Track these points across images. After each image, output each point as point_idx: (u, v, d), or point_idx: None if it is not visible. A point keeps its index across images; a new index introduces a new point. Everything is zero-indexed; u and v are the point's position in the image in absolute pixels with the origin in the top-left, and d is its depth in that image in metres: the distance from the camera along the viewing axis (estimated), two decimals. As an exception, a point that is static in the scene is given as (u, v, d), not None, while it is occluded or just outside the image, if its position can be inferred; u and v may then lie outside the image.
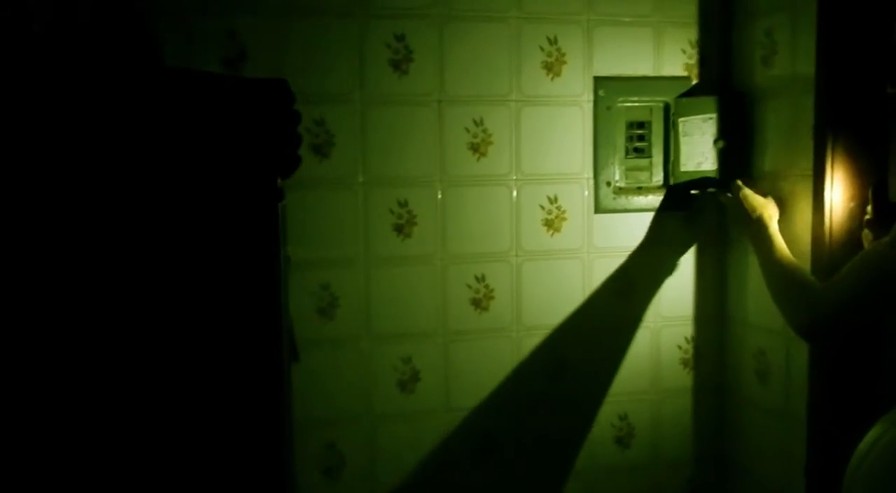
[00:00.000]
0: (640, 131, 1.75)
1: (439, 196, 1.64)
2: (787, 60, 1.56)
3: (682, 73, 1.74)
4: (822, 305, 1.16)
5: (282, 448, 0.93)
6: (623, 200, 1.74)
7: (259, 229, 0.88)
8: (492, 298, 1.69)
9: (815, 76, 1.45)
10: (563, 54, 1.67)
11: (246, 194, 0.87)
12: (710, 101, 1.70)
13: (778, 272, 1.36)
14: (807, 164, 1.49)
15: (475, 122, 1.65)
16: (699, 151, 1.70)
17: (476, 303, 1.69)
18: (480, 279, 1.68)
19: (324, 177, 1.59)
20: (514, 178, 1.68)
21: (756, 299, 1.68)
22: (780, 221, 1.53)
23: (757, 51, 1.65)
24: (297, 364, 1.55)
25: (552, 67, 1.67)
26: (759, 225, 1.50)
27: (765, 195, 1.57)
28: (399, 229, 1.63)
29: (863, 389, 1.44)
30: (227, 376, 0.92)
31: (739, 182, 1.60)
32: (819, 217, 1.45)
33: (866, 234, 1.38)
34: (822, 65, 1.44)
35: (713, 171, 1.69)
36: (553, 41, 1.66)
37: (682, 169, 1.73)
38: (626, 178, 1.75)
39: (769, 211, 1.52)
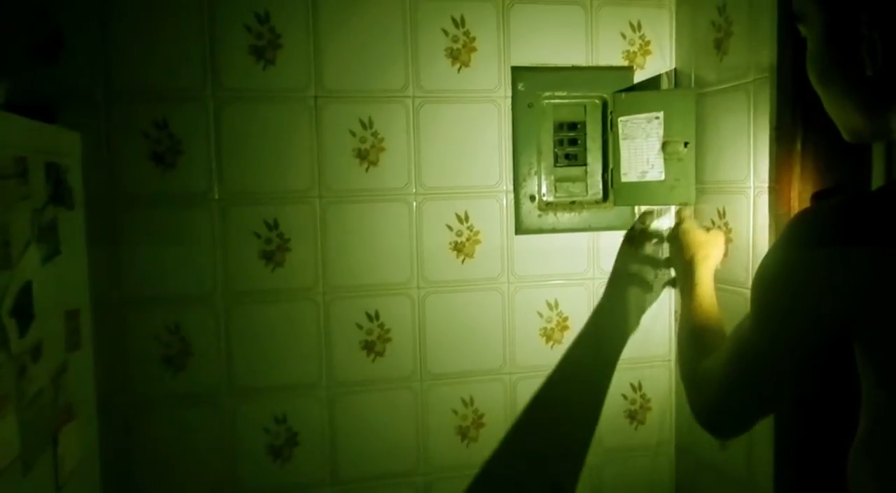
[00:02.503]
0: (572, 134, 1.43)
1: (318, 215, 1.32)
2: (744, 44, 1.25)
3: (621, 62, 1.43)
4: (706, 387, 0.83)
5: None
6: (551, 218, 1.42)
7: None
8: (388, 340, 1.37)
9: (778, 57, 1.14)
10: (473, 39, 1.36)
11: None
12: (657, 96, 1.39)
13: (685, 335, 1.02)
14: (766, 172, 1.18)
15: (363, 123, 1.33)
16: (643, 157, 1.39)
17: (368, 347, 1.36)
18: (373, 317, 1.36)
19: (168, 193, 1.26)
20: (414, 191, 1.36)
21: (714, 338, 1.36)
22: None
23: (709, 33, 1.33)
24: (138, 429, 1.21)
25: (459, 55, 1.35)
26: (687, 268, 1.22)
27: (708, 229, 1.31)
28: (268, 257, 1.31)
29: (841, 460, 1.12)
30: None
31: (685, 212, 1.37)
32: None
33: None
34: (784, 45, 1.13)
35: (660, 181, 1.38)
36: (460, 23, 1.35)
37: (624, 179, 1.41)
38: (556, 190, 1.43)
39: (704, 251, 1.23)
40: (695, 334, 1.00)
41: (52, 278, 0.90)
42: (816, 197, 1.08)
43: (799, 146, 1.12)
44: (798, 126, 1.12)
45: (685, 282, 1.19)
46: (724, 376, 0.79)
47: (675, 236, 1.30)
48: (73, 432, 0.96)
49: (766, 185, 1.19)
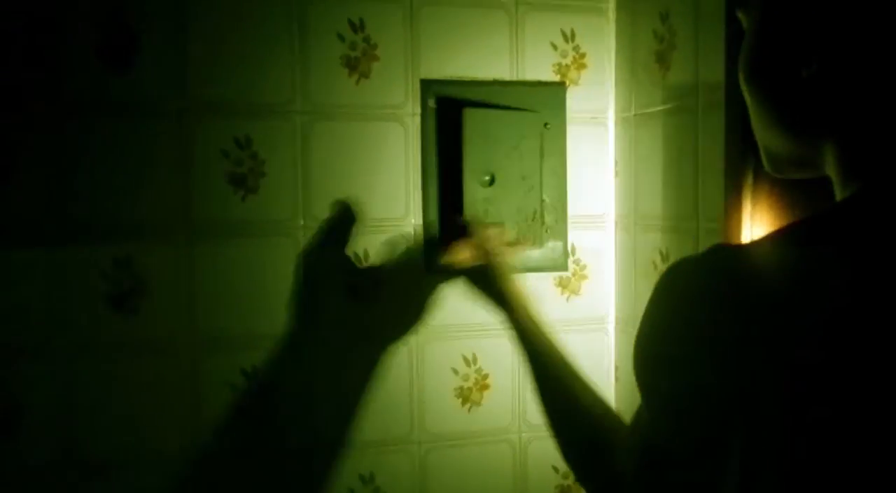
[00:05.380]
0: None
1: (183, 253, 1.10)
2: (689, 59, 1.06)
3: (552, 77, 1.23)
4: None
5: None
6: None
7: None
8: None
9: (726, 74, 0.95)
10: (374, 46, 1.15)
11: None
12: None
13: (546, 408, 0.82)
14: (714, 210, 0.98)
15: (238, 142, 1.11)
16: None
17: (242, 412, 1.13)
18: (252, 375, 1.13)
19: (-8, 223, 1.03)
20: (302, 224, 1.14)
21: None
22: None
23: (651, 44, 1.14)
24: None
25: (357, 64, 1.15)
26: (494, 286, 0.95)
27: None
28: (117, 302, 1.08)
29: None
30: None
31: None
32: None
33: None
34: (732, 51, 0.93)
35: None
36: (359, 27, 1.14)
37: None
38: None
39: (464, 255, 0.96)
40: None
41: None
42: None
43: (751, 180, 0.92)
44: (750, 155, 0.93)
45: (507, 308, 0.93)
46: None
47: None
48: None
49: (714, 225, 0.99)
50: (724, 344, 0.48)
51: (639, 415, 0.60)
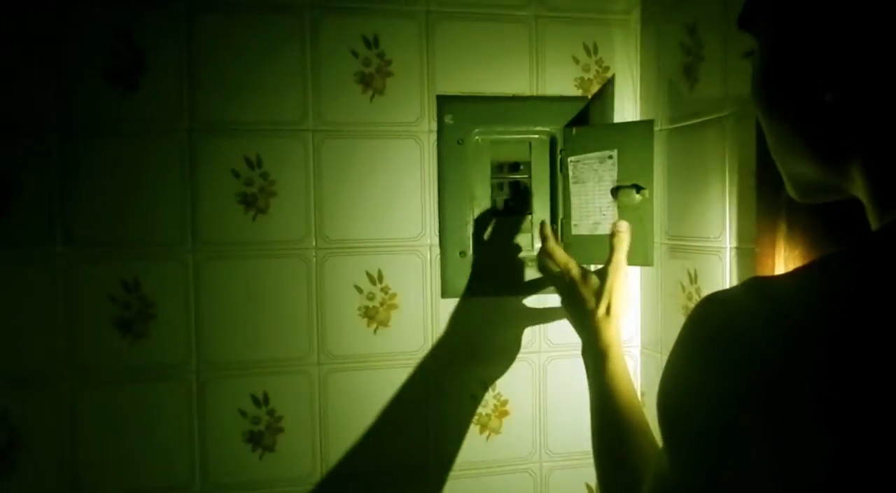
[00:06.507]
0: (514, 176, 1.18)
1: (192, 274, 1.07)
2: (718, 71, 1.01)
3: (574, 92, 1.18)
4: None
5: None
6: (487, 279, 1.16)
7: None
8: (279, 430, 1.10)
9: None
10: (389, 62, 1.12)
11: None
12: (610, 130, 1.14)
13: (604, 441, 0.80)
14: (744, 229, 0.92)
15: (249, 161, 1.08)
16: (595, 205, 1.13)
17: (255, 439, 1.09)
18: (262, 401, 1.10)
19: (-2, 245, 1.01)
20: (314, 245, 1.10)
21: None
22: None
23: (678, 57, 1.09)
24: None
25: (371, 81, 1.11)
26: (586, 327, 0.94)
27: (607, 263, 0.98)
28: (125, 326, 1.05)
29: None
30: None
31: (548, 230, 1.07)
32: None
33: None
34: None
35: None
36: (372, 42, 1.11)
37: (575, 232, 1.15)
38: (494, 245, 1.17)
39: (603, 300, 0.94)
40: (615, 440, 0.78)
41: None
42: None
43: (785, 197, 0.87)
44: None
45: (586, 350, 0.93)
46: None
47: (560, 280, 1.02)
48: None
49: (744, 245, 0.93)
50: (761, 381, 0.44)
51: (659, 466, 0.56)
